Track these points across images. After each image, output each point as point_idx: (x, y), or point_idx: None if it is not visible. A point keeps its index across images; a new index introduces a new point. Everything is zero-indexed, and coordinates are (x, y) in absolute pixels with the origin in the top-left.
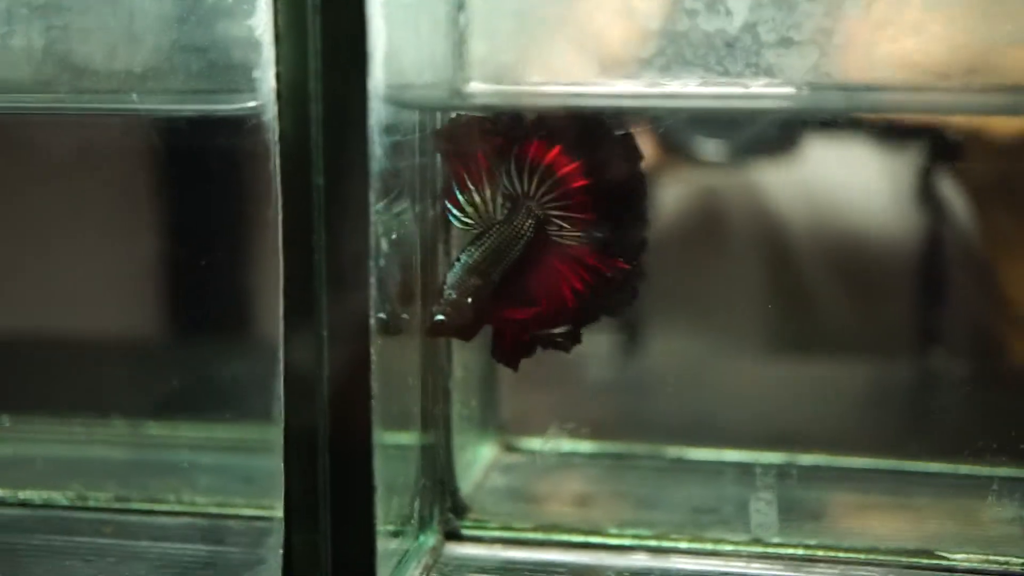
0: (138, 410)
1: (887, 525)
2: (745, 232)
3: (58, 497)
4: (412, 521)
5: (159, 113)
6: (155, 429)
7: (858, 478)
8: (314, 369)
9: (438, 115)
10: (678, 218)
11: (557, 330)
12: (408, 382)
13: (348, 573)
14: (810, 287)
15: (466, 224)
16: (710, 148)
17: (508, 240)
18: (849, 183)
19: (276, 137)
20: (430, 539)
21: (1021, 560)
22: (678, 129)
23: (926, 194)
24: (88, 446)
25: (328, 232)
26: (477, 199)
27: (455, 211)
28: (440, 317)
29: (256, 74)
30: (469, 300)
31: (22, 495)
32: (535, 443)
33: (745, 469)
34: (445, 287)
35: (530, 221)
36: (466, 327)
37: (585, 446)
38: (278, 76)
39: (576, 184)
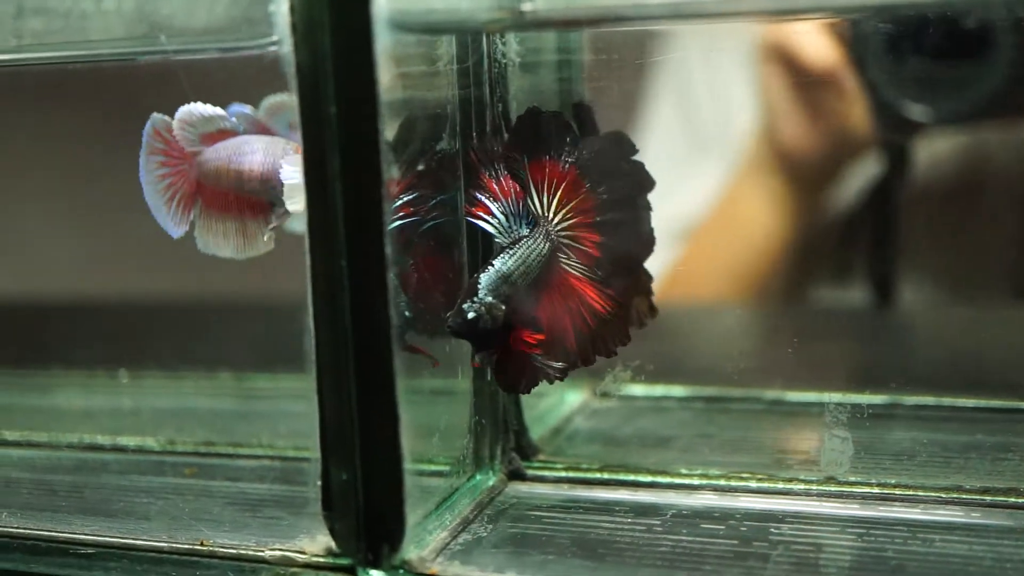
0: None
1: (981, 466)
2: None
3: (151, 442)
4: (464, 461)
5: (191, 55)
6: (254, 381)
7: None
8: (338, 310)
9: (485, 43)
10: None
11: (554, 364)
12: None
13: (379, 509)
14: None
15: (498, 232)
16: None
17: (533, 257)
18: None
19: (293, 71)
20: (489, 478)
21: None
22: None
23: None
24: (189, 397)
25: (342, 163)
26: (506, 210)
27: (485, 217)
28: (472, 315)
29: (271, 8)
30: (504, 307)
31: (120, 440)
32: (630, 389)
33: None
34: (479, 286)
35: (547, 243)
36: (490, 333)
37: (677, 390)
38: (291, 9)
39: (587, 217)
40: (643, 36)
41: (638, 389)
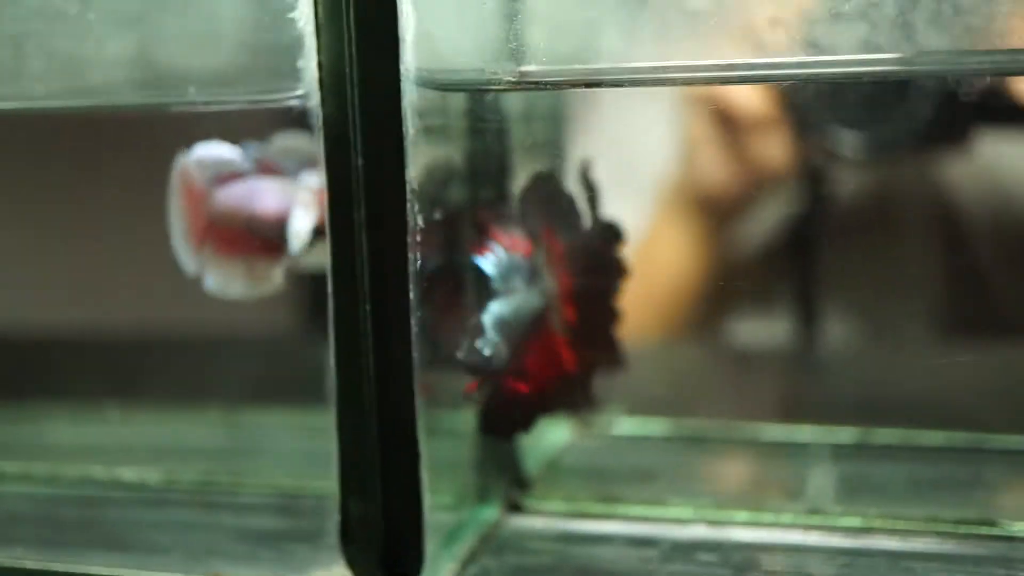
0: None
1: (952, 498)
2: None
3: (151, 475)
4: (469, 494)
5: (220, 105)
6: (246, 416)
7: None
8: (360, 351)
9: (488, 100)
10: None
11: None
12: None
13: (399, 540)
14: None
15: (498, 275)
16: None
17: (526, 309)
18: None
19: (320, 122)
20: (490, 512)
21: None
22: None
23: None
24: (182, 431)
25: (368, 208)
26: (509, 260)
27: (487, 259)
28: (488, 351)
29: (300, 64)
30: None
31: (117, 472)
32: (610, 426)
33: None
34: (485, 326)
35: (541, 300)
36: (497, 371)
37: (660, 427)
38: (320, 65)
39: (563, 276)
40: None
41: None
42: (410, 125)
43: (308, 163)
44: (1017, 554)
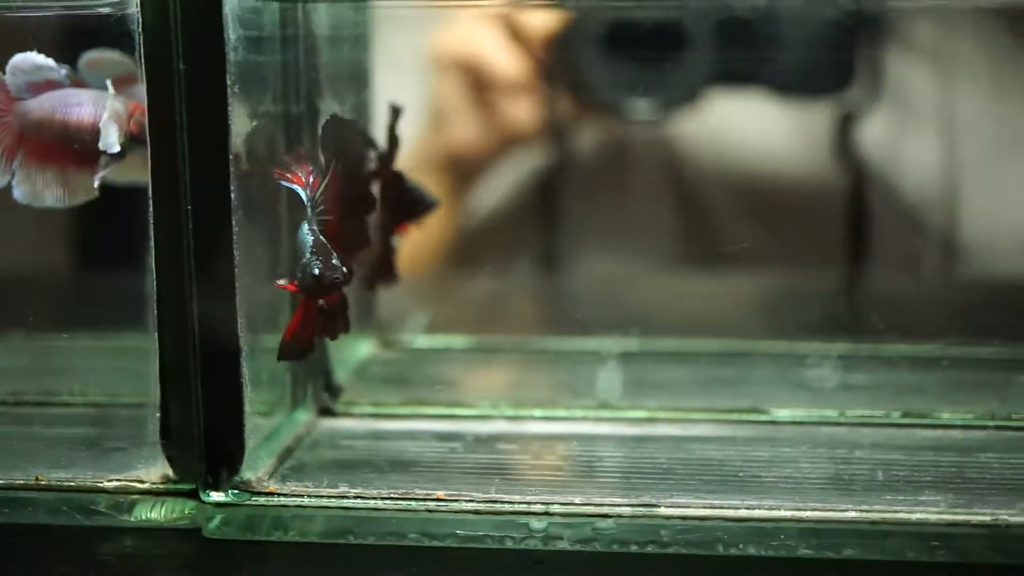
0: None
1: (725, 391)
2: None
3: None
4: (284, 399)
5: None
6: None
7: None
8: (182, 262)
9: (300, 14)
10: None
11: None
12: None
13: (219, 439)
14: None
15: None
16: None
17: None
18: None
19: (140, 28)
20: (303, 415)
21: (835, 412)
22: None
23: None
24: None
25: (188, 115)
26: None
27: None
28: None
29: None
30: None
31: None
32: (410, 340)
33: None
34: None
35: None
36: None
37: (458, 340)
38: None
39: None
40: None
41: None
42: (231, 32)
43: (116, 77)
44: (780, 435)
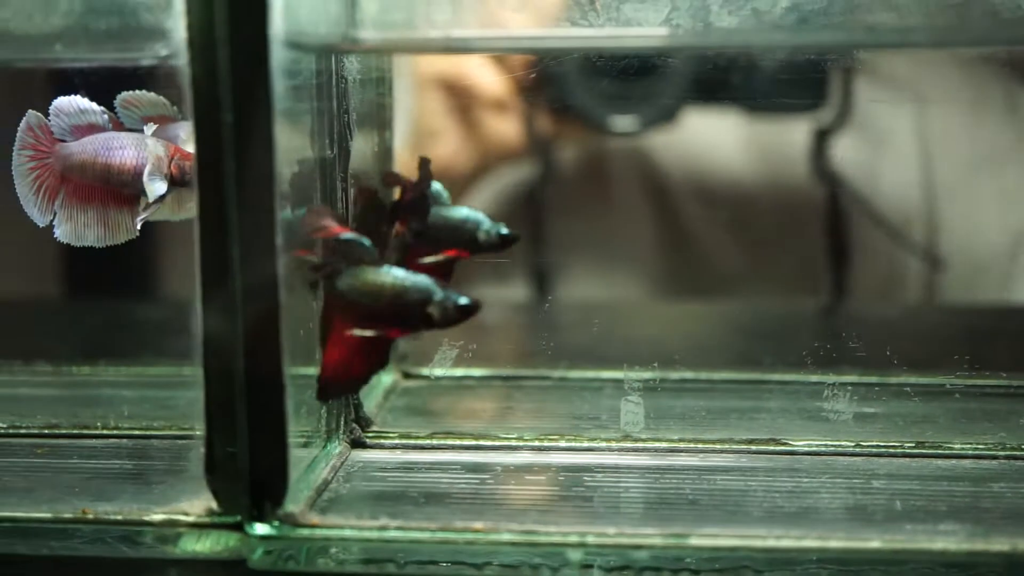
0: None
1: (742, 423)
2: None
3: None
4: (320, 432)
5: (86, 63)
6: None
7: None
8: (229, 307)
9: (333, 63)
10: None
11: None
12: (313, 311)
13: (263, 472)
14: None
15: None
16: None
17: None
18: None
19: (190, 80)
20: (337, 446)
21: (851, 443)
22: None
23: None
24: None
25: (238, 164)
26: None
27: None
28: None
29: (168, 24)
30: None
31: None
32: (431, 371)
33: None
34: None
35: None
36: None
37: (476, 371)
38: (188, 26)
39: None
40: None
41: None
42: (278, 84)
43: (151, 117)
44: (800, 466)
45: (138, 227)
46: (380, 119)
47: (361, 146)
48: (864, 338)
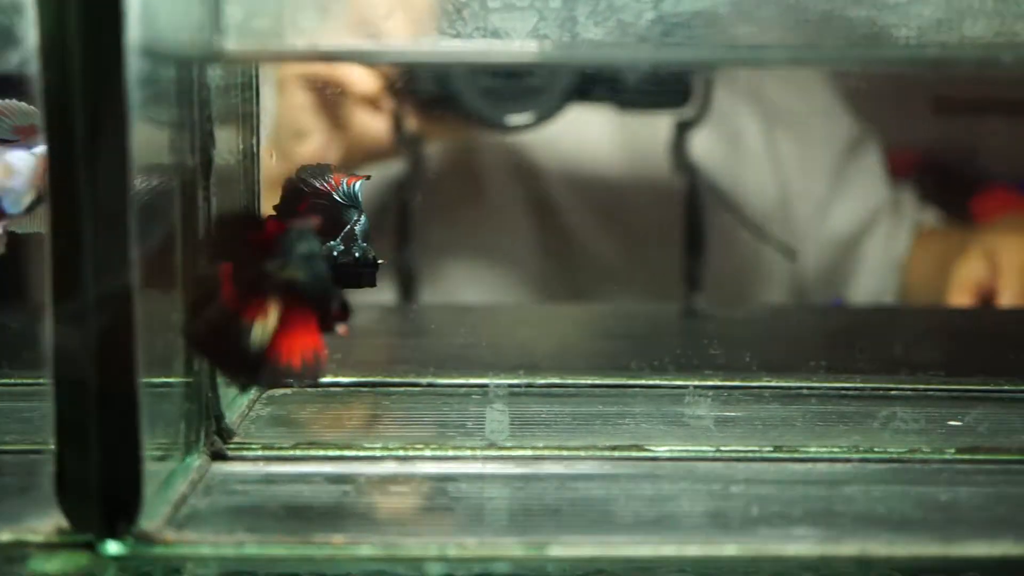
0: None
1: (607, 429)
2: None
3: None
4: (178, 445)
5: None
6: None
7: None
8: (80, 317)
9: (195, 71)
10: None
11: None
12: (171, 321)
13: (116, 488)
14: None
15: None
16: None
17: None
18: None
19: (40, 90)
20: (196, 459)
21: (711, 448)
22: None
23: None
24: None
25: (91, 179)
26: None
27: None
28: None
29: (19, 31)
30: None
31: None
32: None
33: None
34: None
35: None
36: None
37: (343, 379)
38: (40, 33)
39: None
40: None
41: None
42: (134, 95)
43: (21, 127)
44: (661, 471)
45: (3, 241)
46: (245, 125)
47: (225, 154)
48: (725, 341)
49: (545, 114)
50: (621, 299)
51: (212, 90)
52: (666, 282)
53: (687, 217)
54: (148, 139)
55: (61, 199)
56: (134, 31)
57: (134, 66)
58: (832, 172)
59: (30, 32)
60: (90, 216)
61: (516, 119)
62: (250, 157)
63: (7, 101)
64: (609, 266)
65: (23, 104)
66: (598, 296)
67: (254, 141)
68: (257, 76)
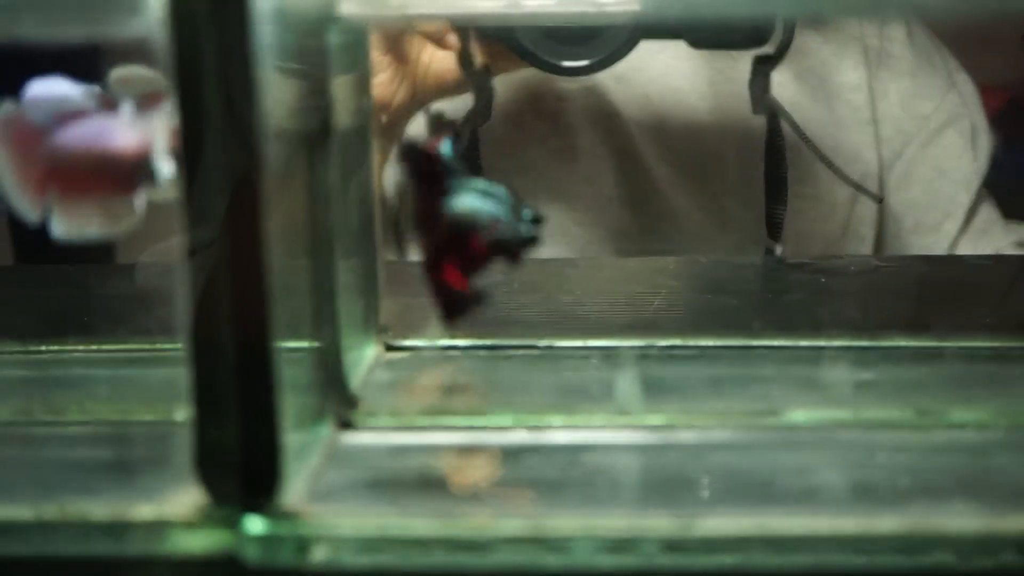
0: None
1: (737, 393)
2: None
3: None
4: (309, 414)
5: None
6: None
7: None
8: (215, 282)
9: (316, 36)
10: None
11: None
12: (299, 286)
13: (257, 462)
14: (657, 187)
15: None
16: (561, 58)
17: None
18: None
19: (171, 58)
20: (326, 429)
21: (850, 414)
22: (533, 41)
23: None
24: None
25: (222, 145)
26: None
27: None
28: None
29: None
30: None
31: None
32: (411, 342)
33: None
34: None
35: None
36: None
37: (460, 342)
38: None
39: None
40: None
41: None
42: (264, 61)
43: (149, 95)
44: (800, 439)
45: (141, 212)
46: (360, 86)
47: (344, 116)
48: (838, 296)
49: (611, 57)
50: (707, 252)
51: (331, 53)
52: (750, 234)
53: (767, 162)
54: (276, 105)
55: (193, 167)
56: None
57: (261, 32)
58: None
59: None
60: (220, 183)
61: (577, 63)
62: (365, 117)
63: (131, 68)
64: (692, 217)
65: (146, 70)
66: (679, 248)
67: (366, 100)
68: (367, 39)
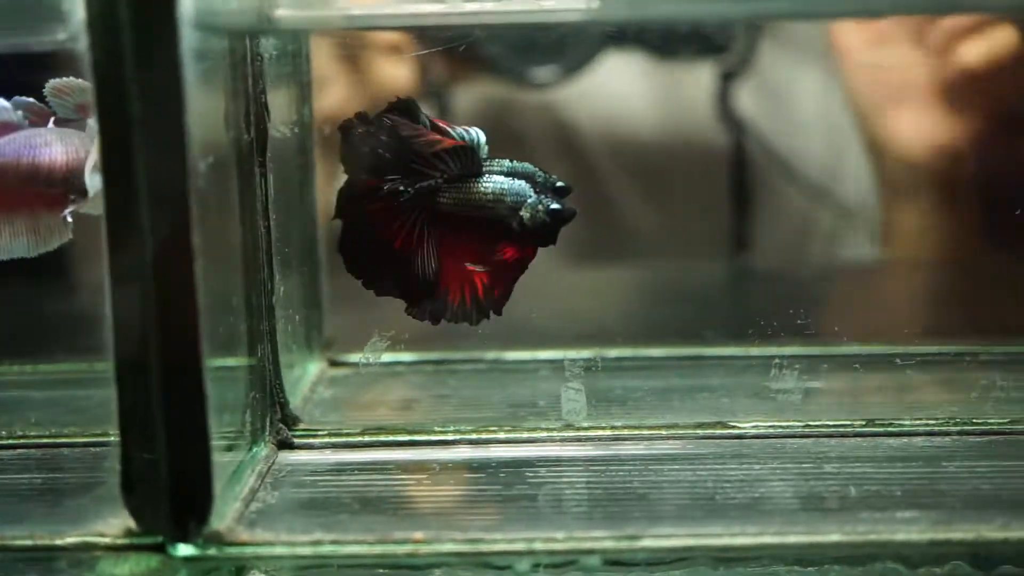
0: None
1: (686, 404)
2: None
3: None
4: (244, 434)
5: None
6: None
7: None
8: (141, 299)
9: (247, 42)
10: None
11: None
12: (232, 303)
13: (186, 485)
14: (612, 196)
15: None
16: (515, 68)
17: None
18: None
19: (90, 67)
20: (263, 449)
21: (799, 423)
22: (486, 51)
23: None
24: None
25: (147, 157)
26: None
27: None
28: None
29: (66, 6)
30: None
31: None
32: (357, 357)
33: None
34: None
35: None
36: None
37: (406, 356)
38: (88, 6)
39: None
40: None
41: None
42: (190, 69)
43: (83, 104)
44: (749, 450)
45: (69, 227)
46: (298, 95)
47: (279, 126)
48: (792, 303)
49: (575, 68)
50: (665, 261)
51: (265, 60)
52: (710, 242)
53: (732, 173)
54: (204, 114)
55: (117, 180)
56: (186, 2)
57: (188, 39)
58: None
59: (77, 6)
60: (149, 198)
61: (543, 74)
62: (306, 129)
63: (66, 79)
64: (651, 226)
65: (82, 81)
66: (639, 258)
67: (307, 111)
68: (308, 43)
